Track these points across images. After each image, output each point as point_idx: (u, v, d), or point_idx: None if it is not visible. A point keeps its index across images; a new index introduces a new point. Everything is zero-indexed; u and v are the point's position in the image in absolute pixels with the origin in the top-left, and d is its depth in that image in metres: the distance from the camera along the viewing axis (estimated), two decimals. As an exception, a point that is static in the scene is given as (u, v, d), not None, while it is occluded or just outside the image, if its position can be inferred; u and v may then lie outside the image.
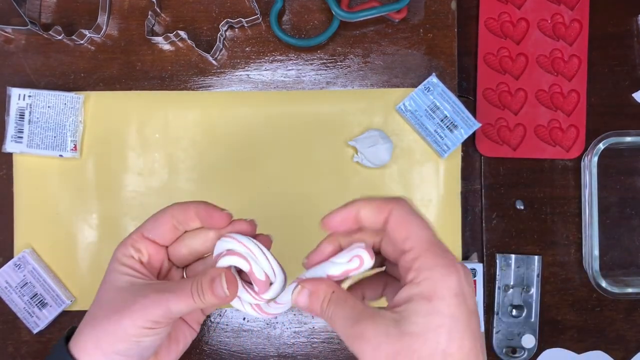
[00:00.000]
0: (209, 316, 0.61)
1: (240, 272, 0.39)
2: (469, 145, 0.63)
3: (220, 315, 0.61)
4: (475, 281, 0.60)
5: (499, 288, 0.62)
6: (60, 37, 0.60)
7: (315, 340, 0.61)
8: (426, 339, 0.31)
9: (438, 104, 0.59)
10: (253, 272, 0.38)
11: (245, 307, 0.39)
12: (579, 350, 0.63)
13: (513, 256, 0.62)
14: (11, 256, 0.59)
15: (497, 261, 0.62)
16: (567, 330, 0.63)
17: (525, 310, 0.62)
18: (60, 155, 0.59)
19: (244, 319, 0.61)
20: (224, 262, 0.38)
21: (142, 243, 0.39)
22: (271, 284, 0.39)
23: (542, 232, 0.63)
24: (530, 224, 0.63)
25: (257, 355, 0.61)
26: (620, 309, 0.63)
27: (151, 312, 0.35)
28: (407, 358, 0.31)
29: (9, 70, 0.61)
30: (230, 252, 0.38)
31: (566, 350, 0.63)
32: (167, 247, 0.40)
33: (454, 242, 0.61)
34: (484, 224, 0.63)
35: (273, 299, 0.39)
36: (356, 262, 0.35)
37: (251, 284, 0.39)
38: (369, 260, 0.34)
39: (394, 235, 0.34)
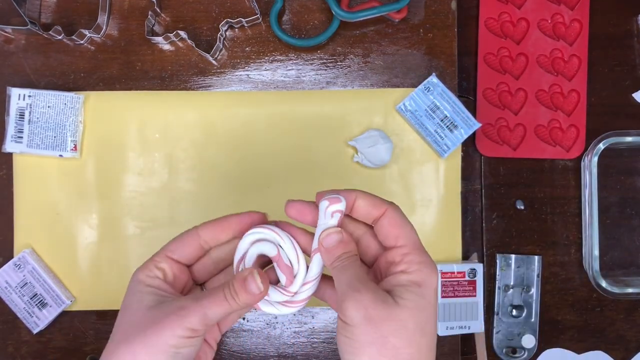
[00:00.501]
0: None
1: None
2: (469, 145, 0.63)
3: (220, 315, 0.61)
4: (475, 281, 0.60)
5: (499, 288, 0.62)
6: (60, 37, 0.60)
7: (315, 340, 0.61)
8: (414, 314, 0.35)
9: (438, 104, 0.59)
10: (281, 257, 0.39)
11: (276, 307, 0.39)
12: (579, 350, 0.63)
13: (513, 256, 0.62)
14: (11, 256, 0.59)
15: (497, 261, 0.62)
16: (567, 330, 0.63)
17: (525, 311, 0.62)
18: (60, 155, 0.59)
19: (244, 319, 0.61)
20: (253, 251, 0.39)
21: (166, 263, 0.39)
22: (295, 275, 0.39)
23: (542, 232, 0.63)
24: (530, 224, 0.63)
25: (257, 355, 0.61)
26: (620, 309, 0.63)
27: (189, 320, 0.35)
28: (396, 324, 0.35)
29: (9, 70, 0.61)
30: (257, 241, 0.39)
31: (566, 350, 0.63)
32: (191, 265, 0.40)
33: (454, 242, 0.61)
34: (484, 224, 0.63)
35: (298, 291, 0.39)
36: (337, 216, 0.38)
37: (277, 282, 0.40)
38: (343, 204, 0.38)
39: (387, 230, 0.38)
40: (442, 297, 0.59)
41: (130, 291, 0.38)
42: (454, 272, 0.59)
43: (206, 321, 0.36)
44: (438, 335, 0.61)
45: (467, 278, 0.60)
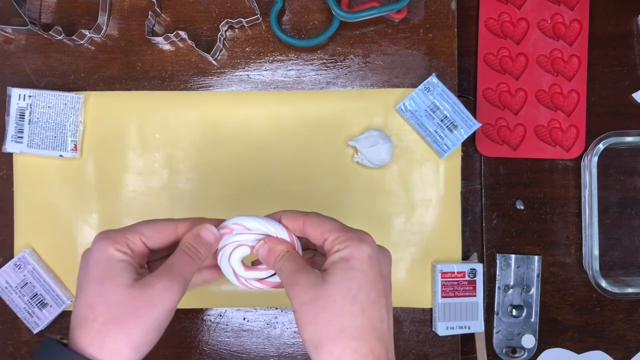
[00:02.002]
0: (209, 314, 0.61)
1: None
2: (469, 145, 0.63)
3: (220, 316, 0.61)
4: (475, 281, 0.60)
5: (499, 288, 0.62)
6: (60, 37, 0.60)
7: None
8: (341, 287, 0.39)
9: (438, 104, 0.59)
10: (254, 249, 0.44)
11: (254, 284, 0.45)
12: (579, 351, 0.63)
13: (513, 256, 0.62)
14: (11, 256, 0.59)
15: (497, 261, 0.62)
16: (567, 330, 0.63)
17: (525, 311, 0.62)
18: (61, 156, 0.59)
19: (244, 319, 0.61)
20: (234, 257, 0.45)
21: (137, 245, 0.41)
22: None
23: (542, 232, 0.63)
24: (530, 224, 0.63)
25: (257, 355, 0.61)
26: (620, 309, 0.63)
27: (175, 293, 0.39)
28: (325, 300, 0.38)
29: (9, 70, 0.61)
30: (236, 247, 0.44)
31: (566, 350, 0.63)
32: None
33: (454, 242, 0.61)
34: (484, 224, 0.63)
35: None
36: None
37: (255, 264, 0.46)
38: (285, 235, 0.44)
39: (311, 234, 0.43)
40: (442, 297, 0.59)
41: (100, 264, 0.39)
42: (454, 272, 0.59)
43: (185, 286, 0.40)
44: (438, 335, 0.61)
45: (467, 278, 0.60)
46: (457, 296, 0.60)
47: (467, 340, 0.63)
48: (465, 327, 0.60)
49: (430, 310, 0.61)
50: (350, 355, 0.37)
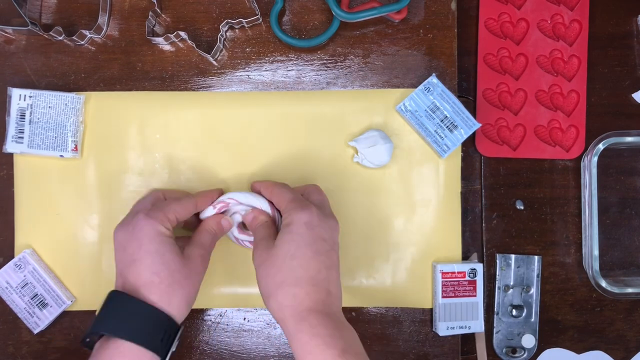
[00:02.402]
0: (209, 315, 0.61)
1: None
2: (469, 146, 0.63)
3: (220, 316, 0.61)
4: (475, 281, 0.60)
5: (499, 288, 0.62)
6: (60, 38, 0.60)
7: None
8: (281, 247, 0.48)
9: (438, 104, 0.59)
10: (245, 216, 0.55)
11: (246, 244, 0.57)
12: (579, 351, 0.63)
13: (513, 256, 0.63)
14: (12, 256, 0.59)
15: (497, 261, 0.62)
16: (567, 330, 0.63)
17: (525, 311, 0.62)
18: (61, 156, 0.59)
19: (244, 319, 0.61)
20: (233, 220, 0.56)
21: (172, 221, 0.50)
22: None
23: (542, 232, 0.63)
24: (530, 224, 0.63)
25: (258, 355, 0.61)
26: (620, 309, 0.64)
27: (207, 260, 0.52)
28: (271, 260, 0.48)
29: (10, 70, 0.61)
30: (232, 215, 0.56)
31: (566, 350, 0.63)
32: None
33: (454, 242, 0.61)
34: (484, 224, 0.63)
35: None
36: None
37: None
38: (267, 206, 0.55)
39: (275, 202, 0.53)
40: (443, 297, 0.59)
41: (156, 239, 0.48)
42: (454, 272, 0.59)
43: (210, 257, 0.53)
44: (438, 335, 0.61)
45: (467, 278, 0.60)
46: (458, 296, 0.60)
47: (467, 340, 0.63)
48: (465, 327, 0.60)
49: (431, 310, 0.61)
50: (290, 299, 0.46)
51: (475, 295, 0.60)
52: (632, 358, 0.63)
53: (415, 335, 0.61)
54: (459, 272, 0.60)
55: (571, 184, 0.63)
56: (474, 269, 0.60)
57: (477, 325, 0.60)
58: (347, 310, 0.61)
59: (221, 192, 0.56)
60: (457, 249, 0.61)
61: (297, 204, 0.50)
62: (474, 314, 0.60)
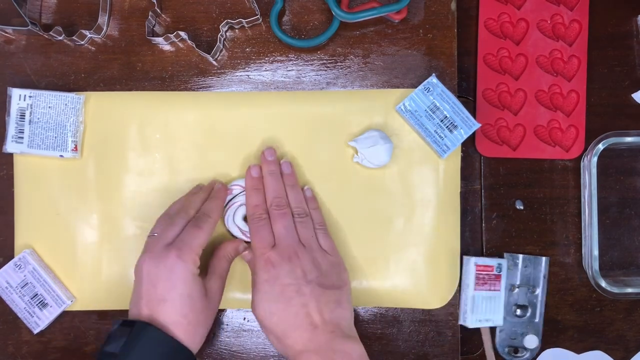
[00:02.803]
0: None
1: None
2: (469, 146, 0.63)
3: (220, 316, 0.61)
4: (500, 275, 0.61)
5: (505, 287, 0.62)
6: (60, 38, 0.60)
7: (316, 340, 0.61)
8: (259, 307, 0.53)
9: (438, 104, 0.59)
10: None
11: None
12: (578, 351, 0.63)
13: (520, 256, 0.63)
14: (11, 256, 0.59)
15: (505, 260, 0.62)
16: (567, 330, 0.63)
17: (530, 311, 0.62)
18: (61, 156, 0.59)
19: (244, 318, 0.61)
20: (238, 217, 0.58)
21: (200, 254, 0.53)
22: None
23: (542, 232, 0.63)
24: (530, 224, 0.63)
25: (258, 355, 0.61)
26: (620, 309, 0.64)
27: (223, 291, 0.56)
28: (259, 317, 0.54)
29: (10, 70, 0.61)
30: (237, 208, 0.59)
31: (566, 350, 0.63)
32: None
33: (454, 242, 0.61)
34: (483, 224, 0.63)
35: None
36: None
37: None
38: None
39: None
40: (476, 289, 0.60)
41: (187, 282, 0.50)
42: (487, 266, 0.61)
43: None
44: (438, 335, 0.61)
45: (495, 272, 0.61)
46: (487, 289, 0.60)
47: (467, 340, 0.63)
48: (490, 320, 0.61)
49: (430, 310, 0.61)
50: (284, 348, 0.53)
51: (499, 290, 0.60)
52: (631, 358, 0.63)
53: (415, 335, 0.61)
54: (488, 266, 0.61)
55: (571, 184, 0.63)
56: (500, 264, 0.61)
57: (498, 319, 0.61)
58: (347, 310, 0.61)
59: (226, 189, 0.58)
60: (456, 249, 0.61)
61: (256, 259, 0.54)
62: (497, 307, 0.60)
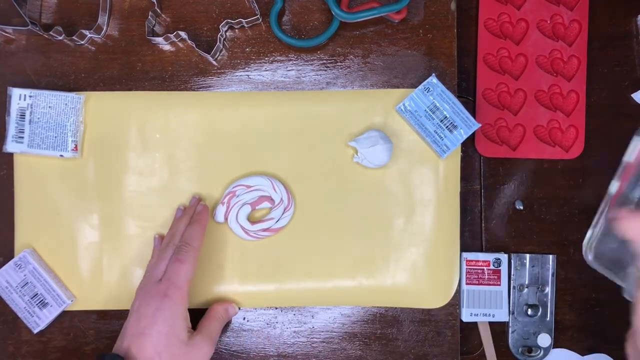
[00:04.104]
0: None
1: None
2: (469, 146, 0.63)
3: (220, 315, 0.61)
4: (499, 271, 0.62)
5: (514, 287, 0.63)
6: (60, 38, 0.60)
7: (315, 339, 0.61)
8: None
9: (438, 104, 0.59)
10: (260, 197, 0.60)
11: (262, 234, 0.59)
12: (578, 351, 0.63)
13: (527, 255, 0.63)
14: (12, 256, 0.59)
15: (512, 260, 0.63)
16: (566, 330, 0.63)
17: (541, 310, 0.62)
18: (61, 155, 0.59)
19: (244, 318, 0.61)
20: (241, 217, 0.59)
21: (187, 288, 0.54)
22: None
23: (542, 232, 0.63)
24: (530, 224, 0.63)
25: (257, 354, 0.61)
26: (620, 309, 0.63)
27: (211, 350, 0.56)
28: None
29: (10, 70, 0.61)
30: (240, 208, 0.59)
31: (567, 350, 0.63)
32: None
33: (453, 242, 0.61)
34: (483, 224, 0.63)
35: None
36: None
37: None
38: None
39: None
40: (467, 284, 0.61)
41: (169, 321, 0.51)
42: (478, 261, 0.61)
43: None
44: (438, 335, 0.61)
45: (492, 267, 0.61)
46: (482, 284, 0.61)
47: (467, 340, 0.63)
48: (489, 314, 0.61)
49: (430, 310, 0.61)
50: None
51: (499, 285, 0.61)
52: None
53: (414, 335, 0.61)
54: (483, 261, 0.61)
55: (571, 184, 0.63)
56: (499, 259, 0.61)
57: (501, 314, 0.61)
58: (347, 309, 0.61)
59: (207, 210, 0.58)
60: (455, 249, 0.61)
61: None
62: (498, 302, 0.61)
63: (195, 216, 0.57)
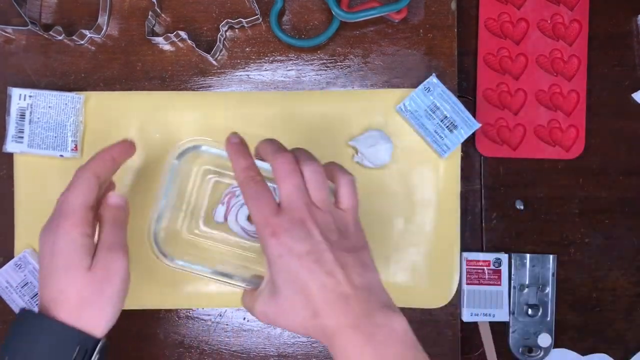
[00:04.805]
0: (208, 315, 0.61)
1: None
2: (469, 146, 0.63)
3: (220, 316, 0.61)
4: (500, 270, 0.62)
5: (514, 287, 0.63)
6: (60, 38, 0.60)
7: (316, 339, 0.61)
8: (280, 295, 0.43)
9: (438, 104, 0.59)
10: None
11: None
12: (578, 351, 0.63)
13: (528, 255, 0.63)
14: (12, 256, 0.59)
15: (512, 260, 0.63)
16: (566, 330, 0.63)
17: (541, 310, 0.63)
18: (61, 155, 0.59)
19: (244, 318, 0.61)
20: (241, 218, 0.58)
21: (89, 217, 0.47)
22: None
23: (542, 232, 0.63)
24: (530, 224, 0.63)
25: (258, 354, 0.61)
26: (620, 309, 0.64)
27: (124, 260, 0.47)
28: (278, 310, 0.43)
29: (10, 70, 0.61)
30: (240, 208, 0.58)
31: (567, 350, 0.63)
32: None
33: (453, 242, 0.61)
34: (483, 224, 0.63)
35: None
36: None
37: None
38: None
39: None
40: (467, 284, 0.61)
41: (64, 251, 0.45)
42: (478, 260, 0.61)
43: (126, 246, 0.48)
44: (438, 335, 0.61)
45: (492, 267, 0.61)
46: (482, 284, 0.61)
47: (468, 340, 0.63)
48: (490, 314, 0.61)
49: (430, 310, 0.61)
50: (316, 331, 0.43)
51: (500, 285, 0.61)
52: (631, 358, 0.63)
53: (415, 335, 0.61)
54: (484, 261, 0.61)
55: (571, 184, 0.63)
56: (499, 259, 0.61)
57: (502, 314, 0.61)
58: (346, 310, 0.61)
59: (132, 143, 0.51)
60: (455, 249, 0.61)
61: (261, 233, 0.43)
62: (499, 302, 0.61)
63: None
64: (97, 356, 0.44)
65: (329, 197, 0.44)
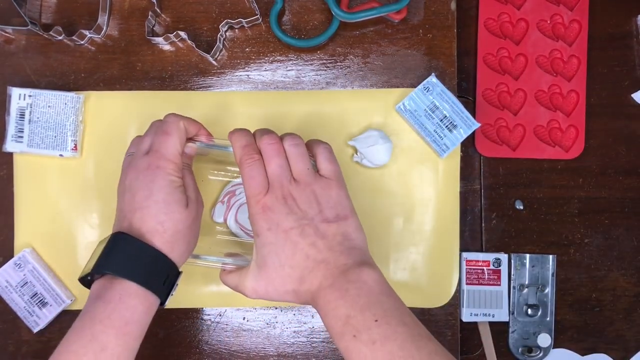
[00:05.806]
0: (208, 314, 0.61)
1: None
2: (469, 146, 0.63)
3: (220, 315, 0.61)
4: (499, 270, 0.62)
5: (514, 287, 0.63)
6: (60, 38, 0.60)
7: (315, 339, 0.61)
8: (266, 264, 0.48)
9: (437, 104, 0.59)
10: None
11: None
12: (578, 350, 0.63)
13: (527, 255, 0.63)
14: (11, 256, 0.59)
15: (512, 260, 0.63)
16: (566, 330, 0.63)
17: (541, 310, 0.63)
18: (61, 155, 0.59)
19: (243, 318, 0.61)
20: (241, 218, 0.59)
21: (179, 162, 0.50)
22: None
23: (542, 232, 0.63)
24: (530, 224, 0.63)
25: (257, 354, 0.61)
26: (619, 309, 0.64)
27: (202, 204, 0.52)
28: (266, 279, 0.48)
29: (10, 70, 0.61)
30: (239, 208, 0.59)
31: (567, 350, 0.63)
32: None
33: (453, 242, 0.61)
34: (483, 224, 0.63)
35: None
36: None
37: None
38: None
39: None
40: (467, 283, 0.61)
41: (164, 189, 0.48)
42: (478, 261, 0.61)
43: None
44: (438, 335, 0.61)
45: (492, 267, 0.61)
46: (482, 284, 0.61)
47: (467, 340, 0.63)
48: (489, 314, 0.61)
49: (430, 310, 0.61)
50: (303, 295, 0.48)
51: (499, 285, 0.61)
52: (631, 358, 0.63)
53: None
54: (483, 261, 0.61)
55: (570, 184, 0.63)
56: (499, 259, 0.61)
57: (501, 314, 0.61)
58: (346, 310, 0.61)
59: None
60: (455, 249, 0.61)
61: (252, 208, 0.48)
62: (498, 302, 0.61)
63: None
64: (176, 287, 0.49)
65: (310, 167, 0.49)
